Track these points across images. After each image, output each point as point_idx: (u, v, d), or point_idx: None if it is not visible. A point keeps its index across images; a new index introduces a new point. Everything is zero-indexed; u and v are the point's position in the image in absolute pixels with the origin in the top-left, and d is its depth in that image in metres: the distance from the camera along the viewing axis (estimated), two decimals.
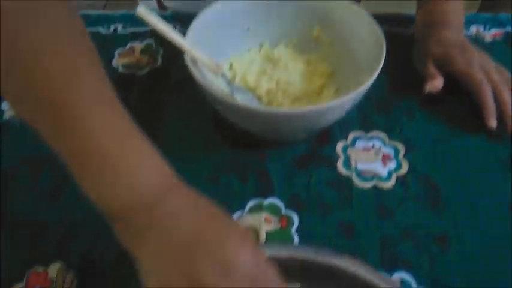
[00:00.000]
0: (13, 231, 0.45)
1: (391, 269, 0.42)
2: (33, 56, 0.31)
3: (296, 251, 0.40)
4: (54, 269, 0.43)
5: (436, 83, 0.52)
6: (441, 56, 0.54)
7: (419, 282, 0.41)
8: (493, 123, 0.50)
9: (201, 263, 0.30)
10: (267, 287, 0.31)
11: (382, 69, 0.45)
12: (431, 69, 0.53)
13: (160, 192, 0.33)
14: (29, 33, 0.31)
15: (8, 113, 0.57)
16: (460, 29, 0.59)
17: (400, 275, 0.41)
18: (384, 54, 0.46)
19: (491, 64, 0.54)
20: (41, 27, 0.31)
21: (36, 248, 0.44)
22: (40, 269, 0.43)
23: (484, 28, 0.66)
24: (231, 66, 0.55)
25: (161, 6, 0.75)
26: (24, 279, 0.42)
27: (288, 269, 0.37)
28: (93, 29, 0.69)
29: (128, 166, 0.32)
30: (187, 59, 0.46)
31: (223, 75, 0.50)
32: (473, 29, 0.66)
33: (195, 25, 0.51)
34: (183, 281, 0.30)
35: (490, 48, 0.62)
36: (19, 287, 0.41)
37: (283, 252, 0.39)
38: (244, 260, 0.31)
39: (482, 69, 0.53)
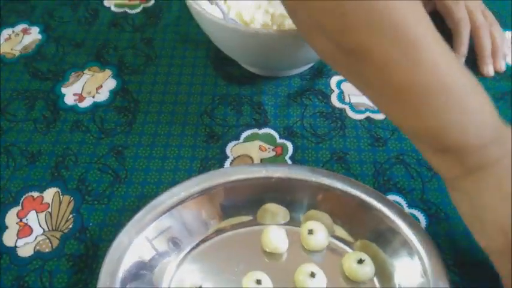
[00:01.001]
0: (8, 159, 0.45)
1: (384, 192, 0.42)
2: None
3: (291, 169, 0.40)
4: (49, 194, 0.43)
5: None
6: None
7: (410, 205, 0.42)
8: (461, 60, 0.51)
9: None
10: None
11: None
12: None
13: (497, 131, 0.32)
14: None
15: (2, 48, 0.56)
16: None
17: (392, 197, 0.42)
18: None
19: (477, 5, 0.54)
20: None
21: (30, 174, 0.44)
22: (35, 194, 0.43)
23: None
24: (225, 2, 0.55)
25: None
26: (20, 203, 0.42)
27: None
28: None
29: (475, 102, 0.32)
30: None
31: (218, 5, 0.49)
32: None
33: None
34: (501, 234, 0.31)
35: None
36: (16, 210, 0.42)
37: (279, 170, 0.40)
38: None
39: (467, 9, 0.53)
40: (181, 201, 0.38)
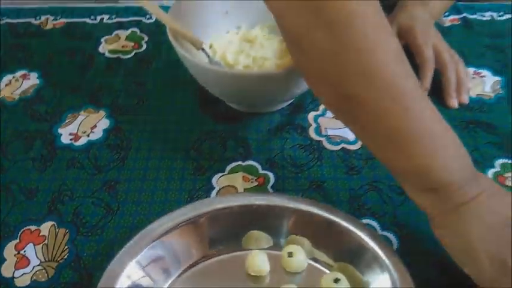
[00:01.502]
0: (7, 196, 0.48)
1: (359, 216, 0.46)
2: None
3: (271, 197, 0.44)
4: (46, 227, 0.46)
5: None
6: (405, 28, 0.60)
7: (383, 228, 0.45)
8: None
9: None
10: None
11: None
12: None
13: (472, 171, 0.37)
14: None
15: (3, 92, 0.60)
16: (433, 15, 0.63)
17: (366, 221, 0.45)
18: None
19: (445, 46, 0.60)
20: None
21: (28, 209, 0.47)
22: (33, 227, 0.46)
23: (444, 15, 0.72)
24: (211, 46, 0.60)
25: None
26: (18, 237, 0.45)
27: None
28: (81, 20, 0.73)
29: (451, 144, 0.36)
30: (169, 32, 0.51)
31: (203, 50, 0.54)
32: None
33: (176, 7, 0.55)
34: (492, 262, 0.34)
35: (450, 31, 0.69)
36: (14, 243, 0.45)
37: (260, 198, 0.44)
38: None
39: (435, 49, 0.58)
40: (170, 230, 0.41)
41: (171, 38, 0.50)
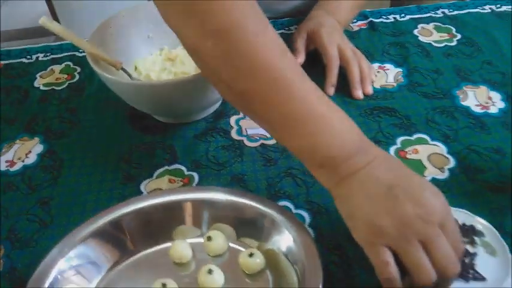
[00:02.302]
0: None
1: (276, 199, 0.50)
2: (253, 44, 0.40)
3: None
4: None
5: (298, 60, 0.64)
6: (312, 32, 0.67)
7: (297, 207, 0.50)
8: (329, 91, 0.63)
9: (404, 203, 0.37)
10: (453, 234, 0.38)
11: None
12: (297, 44, 0.66)
13: (359, 145, 0.40)
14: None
15: None
16: (342, 22, 0.70)
17: (282, 203, 0.50)
18: None
19: (348, 45, 0.67)
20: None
21: None
22: None
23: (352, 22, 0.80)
24: (136, 68, 0.65)
25: None
26: None
27: None
28: (18, 61, 0.77)
29: (337, 123, 0.41)
30: (89, 57, 0.55)
31: (123, 70, 0.59)
32: None
33: (97, 35, 0.60)
34: (386, 217, 0.37)
35: (358, 35, 0.76)
36: None
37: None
38: (440, 206, 0.38)
39: (339, 48, 0.65)
40: (97, 230, 0.45)
41: (90, 60, 0.55)
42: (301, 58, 0.65)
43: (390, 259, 0.37)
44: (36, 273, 0.41)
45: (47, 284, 0.40)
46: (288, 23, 0.79)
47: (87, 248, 0.44)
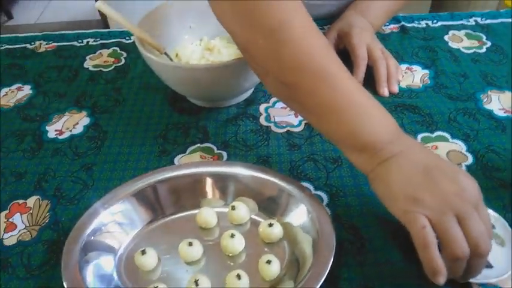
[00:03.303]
0: (0, 178, 0.57)
1: (297, 180, 0.54)
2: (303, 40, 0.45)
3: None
4: (31, 200, 0.54)
5: None
6: (343, 32, 0.71)
7: (316, 188, 0.53)
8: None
9: (441, 181, 0.40)
10: (484, 215, 0.41)
11: None
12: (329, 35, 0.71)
13: (396, 133, 0.45)
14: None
15: (1, 102, 0.70)
16: (375, 25, 0.73)
17: (303, 184, 0.53)
18: None
19: (377, 46, 0.70)
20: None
21: (17, 188, 0.56)
22: (21, 201, 0.54)
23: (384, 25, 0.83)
24: (177, 55, 0.70)
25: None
26: (8, 208, 0.53)
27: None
28: (70, 43, 0.84)
29: (374, 112, 0.45)
30: (136, 39, 0.61)
31: (166, 54, 0.64)
32: None
33: (145, 22, 0.66)
34: (425, 191, 0.40)
35: (389, 37, 0.79)
36: (5, 213, 0.53)
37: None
38: (474, 188, 0.41)
39: (368, 48, 0.68)
40: (137, 190, 0.50)
41: (137, 43, 0.60)
42: None
43: (427, 224, 0.40)
44: (79, 222, 0.46)
45: (89, 231, 0.45)
46: (322, 23, 0.83)
47: (126, 206, 0.49)
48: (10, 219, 0.52)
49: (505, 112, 0.62)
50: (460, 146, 0.58)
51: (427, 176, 0.41)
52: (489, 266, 0.44)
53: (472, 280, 0.43)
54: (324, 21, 0.83)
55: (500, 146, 0.57)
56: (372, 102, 0.45)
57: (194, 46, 0.72)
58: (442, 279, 0.39)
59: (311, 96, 0.45)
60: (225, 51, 0.69)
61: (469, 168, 0.55)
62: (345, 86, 0.45)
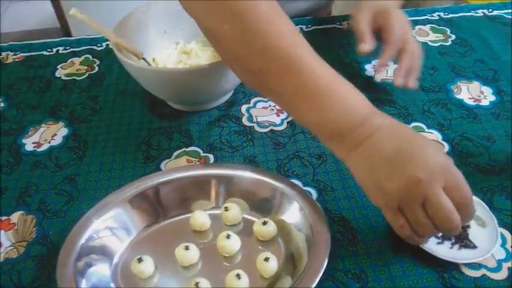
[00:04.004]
0: None
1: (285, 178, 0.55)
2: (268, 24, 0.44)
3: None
4: (15, 216, 0.52)
5: (367, 47, 0.65)
6: (379, 11, 0.67)
7: (304, 184, 0.54)
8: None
9: (406, 167, 0.41)
10: (458, 185, 0.42)
11: None
12: (363, 26, 0.66)
13: (367, 113, 0.44)
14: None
15: None
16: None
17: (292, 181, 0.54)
18: None
19: (410, 30, 0.68)
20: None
21: None
22: (3, 218, 0.52)
23: None
24: (153, 60, 0.69)
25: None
26: None
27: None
28: (38, 53, 0.81)
29: (343, 96, 0.44)
30: (113, 46, 0.60)
31: (144, 59, 0.64)
32: None
33: (119, 28, 0.65)
34: (390, 181, 0.41)
35: None
36: None
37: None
38: (441, 164, 0.41)
39: (404, 35, 0.65)
40: (126, 198, 0.49)
41: (114, 49, 0.59)
42: (370, 44, 0.65)
43: (403, 221, 0.43)
44: (71, 233, 0.45)
45: (82, 241, 0.44)
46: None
47: (119, 214, 0.48)
48: None
49: (474, 101, 0.66)
50: (436, 135, 0.60)
51: (393, 163, 0.42)
52: (473, 246, 0.47)
53: (458, 261, 0.45)
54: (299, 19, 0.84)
55: (473, 133, 0.60)
56: (340, 85, 0.45)
57: (170, 50, 0.71)
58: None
59: (279, 83, 0.45)
60: (202, 55, 0.69)
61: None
62: (312, 71, 0.44)
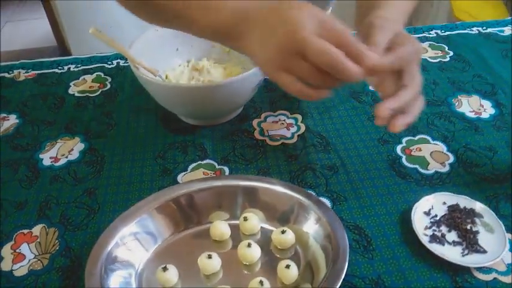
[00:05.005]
0: (1, 209, 0.56)
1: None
2: None
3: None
4: (37, 229, 0.53)
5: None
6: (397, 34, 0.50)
7: (318, 195, 0.56)
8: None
9: (283, 24, 0.43)
10: (331, 23, 0.42)
11: None
12: (385, 65, 0.46)
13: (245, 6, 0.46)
14: None
15: None
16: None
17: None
18: None
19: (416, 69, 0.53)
20: None
21: (20, 217, 0.55)
22: (25, 231, 0.53)
23: None
24: (166, 77, 0.72)
25: None
26: (13, 238, 0.52)
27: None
28: (50, 71, 0.83)
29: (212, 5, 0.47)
30: (131, 65, 0.62)
31: (159, 76, 0.66)
32: None
33: (135, 48, 0.67)
34: (272, 41, 0.43)
35: None
36: (10, 244, 0.52)
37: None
38: (312, 11, 0.43)
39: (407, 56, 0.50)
40: (150, 209, 0.51)
41: (132, 67, 0.62)
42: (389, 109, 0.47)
43: (291, 78, 0.44)
44: (97, 244, 0.46)
45: (110, 247, 0.46)
46: None
47: (144, 224, 0.50)
48: (17, 250, 0.51)
49: (475, 114, 0.69)
50: (441, 146, 0.63)
51: (271, 30, 0.44)
52: (483, 251, 0.49)
53: (469, 265, 0.47)
54: None
55: (475, 145, 0.63)
56: None
57: (182, 67, 0.74)
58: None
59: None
60: (214, 71, 0.72)
61: (452, 166, 0.60)
62: None
